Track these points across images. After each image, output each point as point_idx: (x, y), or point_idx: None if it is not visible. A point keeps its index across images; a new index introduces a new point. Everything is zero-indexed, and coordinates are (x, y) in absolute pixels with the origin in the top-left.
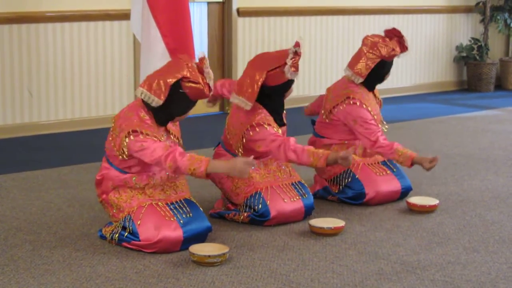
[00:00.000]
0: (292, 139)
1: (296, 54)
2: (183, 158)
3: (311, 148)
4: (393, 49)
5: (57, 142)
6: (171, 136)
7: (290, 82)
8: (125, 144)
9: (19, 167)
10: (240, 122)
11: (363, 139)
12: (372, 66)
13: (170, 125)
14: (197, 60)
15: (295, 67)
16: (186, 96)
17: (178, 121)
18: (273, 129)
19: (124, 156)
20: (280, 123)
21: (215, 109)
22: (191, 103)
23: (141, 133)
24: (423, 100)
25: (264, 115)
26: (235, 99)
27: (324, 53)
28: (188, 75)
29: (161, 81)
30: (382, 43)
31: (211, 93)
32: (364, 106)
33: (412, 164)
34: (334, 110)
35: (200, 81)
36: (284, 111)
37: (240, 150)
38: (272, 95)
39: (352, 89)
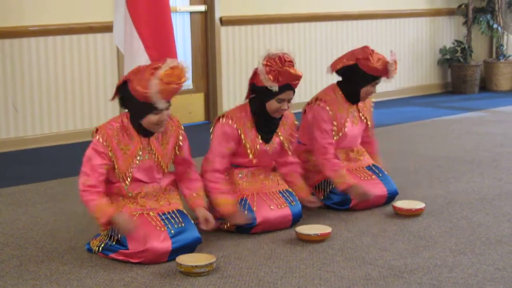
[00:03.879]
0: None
1: (272, 58)
2: (92, 202)
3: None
4: (369, 59)
5: (43, 156)
6: (150, 153)
7: (271, 93)
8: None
9: (5, 182)
10: None
11: (315, 143)
12: (345, 64)
13: (155, 143)
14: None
15: (272, 76)
16: (135, 97)
17: (155, 130)
18: (232, 127)
19: None
20: (265, 138)
21: (200, 118)
22: (145, 105)
23: (100, 136)
24: (407, 103)
25: (239, 114)
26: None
27: (308, 60)
28: (132, 75)
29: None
30: (366, 51)
31: (154, 94)
32: (328, 108)
33: (344, 190)
34: (304, 111)
35: (142, 81)
36: (280, 133)
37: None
38: (256, 95)
39: (326, 92)
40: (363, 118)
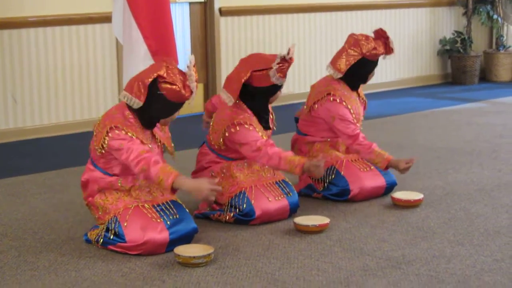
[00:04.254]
0: (272, 143)
1: (285, 60)
2: (156, 166)
3: (289, 155)
4: (375, 48)
5: (42, 147)
6: (157, 141)
7: (275, 87)
8: (106, 139)
9: (4, 173)
10: (224, 119)
11: (342, 135)
12: (352, 62)
13: (157, 130)
14: (182, 62)
15: (282, 73)
16: (164, 97)
17: (165, 125)
18: (255, 132)
19: (102, 151)
20: (265, 126)
21: (200, 109)
22: (171, 105)
23: (123, 129)
24: (407, 94)
25: (248, 115)
26: (222, 93)
27: (308, 51)
28: (165, 75)
29: (140, 82)
30: (365, 41)
31: (193, 95)
32: (344, 103)
33: (387, 167)
34: (314, 106)
35: (178, 82)
36: (272, 116)
37: (221, 147)
38: (255, 96)
39: (333, 86)
40: (362, 100)
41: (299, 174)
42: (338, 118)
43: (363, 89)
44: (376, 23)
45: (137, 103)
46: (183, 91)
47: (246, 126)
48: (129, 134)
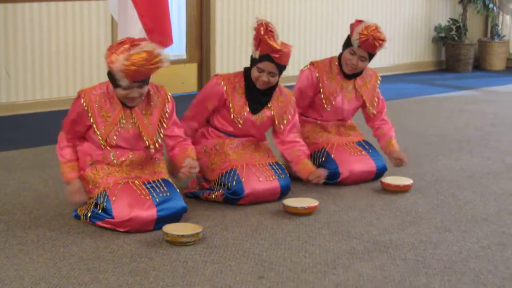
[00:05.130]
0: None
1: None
2: (62, 155)
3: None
4: (361, 33)
5: (34, 122)
6: (133, 122)
7: (254, 59)
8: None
9: None
10: None
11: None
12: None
13: (139, 114)
14: (176, 41)
15: (256, 43)
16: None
17: (126, 101)
18: (221, 86)
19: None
20: (253, 108)
21: (194, 89)
22: (113, 79)
23: (84, 98)
24: (401, 80)
25: (234, 78)
26: None
27: (303, 33)
28: (114, 46)
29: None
30: (359, 24)
31: (115, 69)
32: (316, 72)
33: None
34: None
35: (117, 53)
36: (270, 105)
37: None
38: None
39: (322, 61)
40: (359, 95)
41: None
42: (296, 86)
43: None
44: (373, 9)
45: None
46: (108, 60)
47: (218, 77)
48: (83, 104)
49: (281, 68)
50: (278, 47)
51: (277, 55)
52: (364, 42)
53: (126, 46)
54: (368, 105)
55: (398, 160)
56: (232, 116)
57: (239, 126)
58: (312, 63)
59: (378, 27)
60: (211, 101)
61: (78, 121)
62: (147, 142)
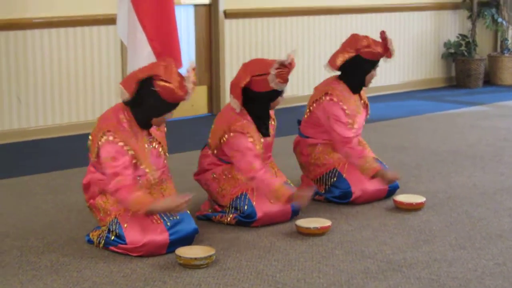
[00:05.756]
0: (265, 168)
1: (284, 66)
2: (130, 196)
3: (277, 185)
4: (369, 46)
5: (45, 147)
6: (154, 141)
7: (275, 92)
8: (99, 144)
9: (8, 173)
10: (223, 123)
11: (334, 136)
12: (347, 58)
13: (154, 130)
14: (185, 64)
15: (282, 78)
16: (157, 95)
17: (158, 125)
18: (249, 142)
19: (94, 156)
20: (264, 133)
21: (204, 111)
22: (165, 104)
23: (115, 135)
24: (411, 97)
25: (246, 122)
26: (230, 99)
27: (312, 53)
28: (161, 73)
29: (133, 77)
30: (363, 39)
31: (188, 96)
32: (340, 104)
33: (373, 177)
34: (313, 105)
35: (174, 81)
36: (273, 122)
37: (215, 152)
38: (255, 100)
39: (332, 86)
40: (364, 104)
41: (284, 204)
42: (333, 118)
43: (367, 92)
44: (381, 26)
45: (125, 95)
46: (177, 90)
47: (243, 135)
48: (120, 144)
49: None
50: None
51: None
52: (386, 51)
53: (176, 71)
54: (369, 111)
55: (394, 177)
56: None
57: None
58: (329, 94)
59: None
60: (247, 148)
61: (123, 157)
62: (165, 152)
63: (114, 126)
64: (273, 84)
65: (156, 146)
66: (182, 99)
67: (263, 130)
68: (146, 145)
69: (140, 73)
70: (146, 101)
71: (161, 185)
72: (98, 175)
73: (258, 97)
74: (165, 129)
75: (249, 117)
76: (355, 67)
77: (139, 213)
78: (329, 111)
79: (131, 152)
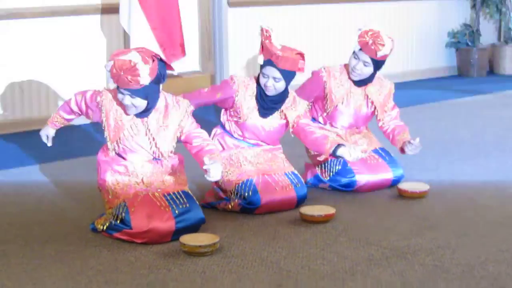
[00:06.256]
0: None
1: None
2: (62, 107)
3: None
4: (365, 42)
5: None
6: (149, 133)
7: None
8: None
9: (11, 163)
10: None
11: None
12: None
13: (154, 125)
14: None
15: (261, 48)
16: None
17: (128, 112)
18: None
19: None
20: (262, 113)
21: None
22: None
23: (105, 93)
24: (415, 86)
25: (251, 84)
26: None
27: (315, 42)
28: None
29: None
30: (364, 33)
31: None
32: (325, 79)
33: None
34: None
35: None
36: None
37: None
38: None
39: (333, 67)
40: (369, 102)
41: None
42: (303, 85)
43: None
44: (385, 15)
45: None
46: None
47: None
48: (99, 101)
49: (286, 73)
50: (276, 51)
51: (276, 59)
52: (364, 46)
53: (120, 52)
54: (379, 112)
55: (416, 146)
56: (242, 116)
57: (245, 120)
58: (324, 67)
59: (380, 32)
60: (221, 91)
61: (89, 107)
62: (158, 154)
63: (111, 90)
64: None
65: (142, 135)
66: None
67: (260, 107)
68: (131, 127)
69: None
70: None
71: (174, 175)
72: (110, 158)
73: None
74: (171, 130)
75: (255, 83)
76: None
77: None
78: (309, 79)
79: (103, 115)
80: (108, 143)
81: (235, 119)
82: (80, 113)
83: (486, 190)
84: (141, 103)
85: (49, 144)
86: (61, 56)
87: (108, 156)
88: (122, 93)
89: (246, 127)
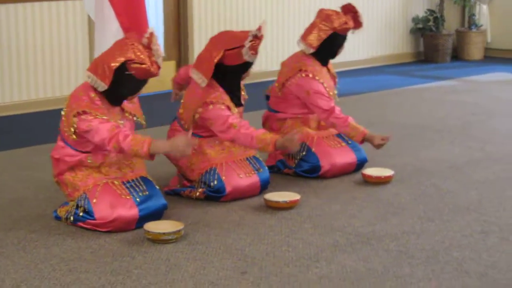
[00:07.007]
0: (245, 124)
1: (257, 37)
2: (126, 140)
3: (260, 134)
4: (346, 22)
5: (13, 124)
6: (126, 114)
7: (247, 64)
8: (74, 123)
9: None
10: (195, 98)
11: (317, 110)
12: (324, 37)
13: (125, 104)
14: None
15: (254, 50)
16: (133, 77)
17: (131, 99)
18: (227, 110)
19: (74, 136)
20: (237, 103)
21: (171, 87)
22: (140, 83)
23: (90, 113)
24: (379, 72)
25: (219, 94)
26: (193, 73)
27: (280, 28)
28: (133, 56)
29: (106, 66)
30: (335, 15)
31: (160, 70)
32: (317, 78)
33: (362, 141)
34: (287, 83)
35: (147, 60)
36: (243, 93)
37: (190, 126)
38: (228, 74)
39: (304, 62)
40: (332, 75)
41: (273, 151)
42: (313, 92)
43: (334, 66)
44: (350, 0)
45: (102, 86)
46: (151, 69)
47: (218, 105)
48: (97, 116)
49: None
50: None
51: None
52: (346, 28)
53: (117, 50)
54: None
55: (383, 139)
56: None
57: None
58: (303, 70)
59: (349, 6)
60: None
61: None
62: (143, 121)
63: (88, 105)
64: (247, 56)
65: (130, 117)
66: (156, 75)
67: (235, 100)
68: (120, 121)
69: (111, 60)
70: (123, 85)
71: (130, 160)
72: (68, 150)
73: (231, 71)
74: (139, 104)
75: (221, 89)
76: (330, 44)
77: (142, 156)
78: (307, 86)
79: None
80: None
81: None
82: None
83: (450, 175)
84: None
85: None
86: (24, 42)
87: (62, 152)
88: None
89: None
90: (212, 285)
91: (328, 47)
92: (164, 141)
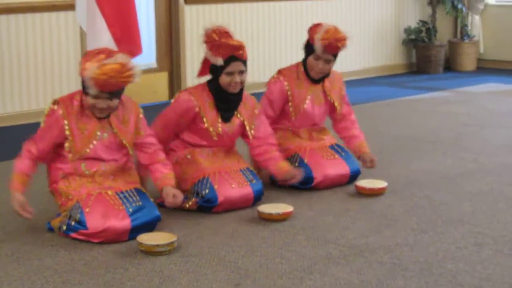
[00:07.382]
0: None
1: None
2: (18, 164)
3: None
4: (323, 38)
5: (5, 135)
6: (113, 130)
7: (219, 67)
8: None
9: None
10: None
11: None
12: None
13: (115, 122)
14: (145, 50)
15: (213, 51)
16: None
17: (99, 114)
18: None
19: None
20: (224, 116)
21: (165, 98)
22: (84, 87)
23: (61, 107)
24: (372, 83)
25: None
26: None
27: (273, 39)
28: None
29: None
30: (316, 27)
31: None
32: (287, 87)
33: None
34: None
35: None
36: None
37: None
38: (212, 74)
39: (288, 68)
40: (329, 99)
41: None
42: (264, 96)
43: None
44: (341, 12)
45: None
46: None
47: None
48: (62, 119)
49: (246, 62)
50: (239, 43)
51: (240, 52)
52: (328, 46)
53: (102, 56)
54: (337, 106)
55: (371, 162)
56: (210, 129)
57: (215, 138)
58: (280, 72)
59: (336, 27)
60: (183, 118)
61: (53, 132)
62: (128, 147)
63: (65, 100)
64: (207, 55)
65: (107, 136)
66: (85, 81)
67: (223, 112)
68: (98, 132)
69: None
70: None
71: (125, 170)
72: (58, 161)
73: (211, 70)
74: (132, 130)
75: (208, 92)
76: (306, 56)
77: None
78: (270, 86)
79: (66, 132)
80: (70, 155)
81: (197, 133)
82: (47, 151)
83: (443, 187)
84: (116, 103)
85: (28, 216)
86: (16, 54)
87: (56, 159)
88: (95, 97)
89: (213, 137)
90: None
91: (306, 60)
92: (15, 196)
